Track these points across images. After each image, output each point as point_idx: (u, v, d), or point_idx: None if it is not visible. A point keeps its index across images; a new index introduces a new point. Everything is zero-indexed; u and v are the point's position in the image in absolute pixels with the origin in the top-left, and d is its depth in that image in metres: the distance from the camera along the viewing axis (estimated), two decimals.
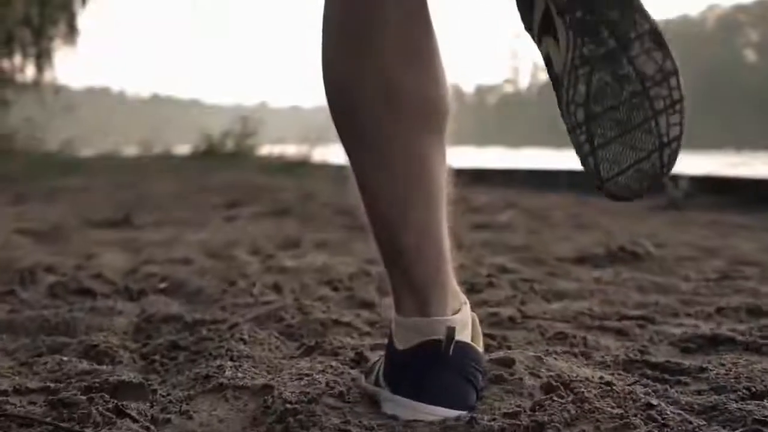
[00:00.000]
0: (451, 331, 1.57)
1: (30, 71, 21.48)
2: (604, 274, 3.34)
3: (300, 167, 13.72)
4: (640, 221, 6.18)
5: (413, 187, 1.59)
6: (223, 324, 2.36)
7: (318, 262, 3.62)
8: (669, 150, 1.46)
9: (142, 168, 14.39)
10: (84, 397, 1.63)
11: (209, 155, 17.19)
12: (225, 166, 14.18)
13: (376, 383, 1.69)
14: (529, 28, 1.56)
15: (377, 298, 2.78)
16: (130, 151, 20.28)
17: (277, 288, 2.97)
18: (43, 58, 21.49)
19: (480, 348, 1.67)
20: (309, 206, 7.05)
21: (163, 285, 3.06)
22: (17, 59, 21.50)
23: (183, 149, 19.30)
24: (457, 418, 1.55)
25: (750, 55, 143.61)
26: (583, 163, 1.49)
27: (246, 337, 2.13)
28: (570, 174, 10.32)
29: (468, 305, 1.68)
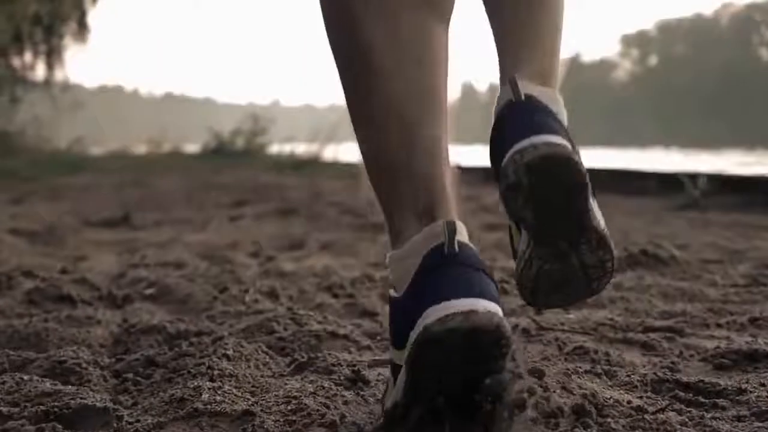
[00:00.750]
0: (450, 225, 1.43)
1: (41, 69, 21.38)
2: (624, 279, 3.09)
3: (310, 165, 13.52)
4: (659, 221, 5.95)
5: (431, 89, 1.54)
6: (208, 336, 2.13)
7: (319, 265, 3.40)
8: (595, 293, 1.73)
9: (150, 166, 14.22)
10: (33, 428, 1.42)
11: (218, 153, 17.02)
12: (234, 165, 13.99)
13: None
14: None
15: (380, 306, 2.56)
16: (141, 149, 20.16)
17: (272, 294, 2.73)
18: (53, 55, 21.36)
19: None
20: (316, 205, 6.83)
21: (150, 291, 2.82)
22: (28, 57, 21.40)
23: (193, 147, 19.17)
24: None
25: (765, 53, 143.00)
26: (522, 297, 1.72)
27: (230, 352, 1.90)
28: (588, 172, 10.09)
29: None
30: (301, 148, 16.03)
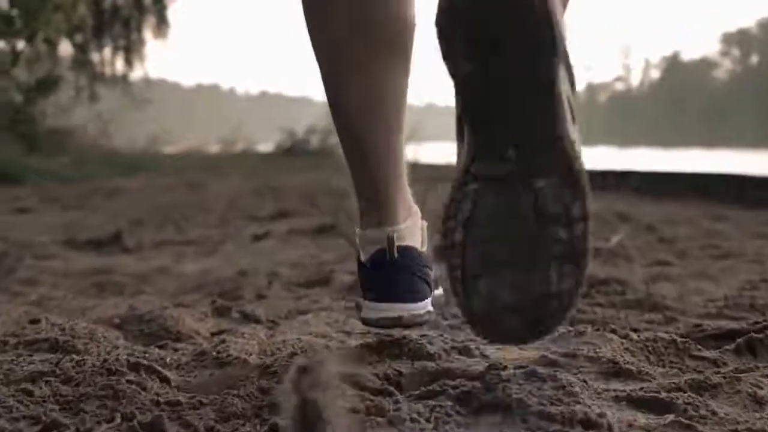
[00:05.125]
0: (390, 239, 1.81)
1: (120, 65, 20.90)
2: None
3: None
4: None
5: (383, 112, 1.79)
6: None
7: (293, 339, 2.10)
8: (556, 302, 1.30)
9: (215, 167, 13.23)
10: None
11: (292, 153, 16.01)
12: (305, 165, 12.93)
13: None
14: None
15: None
16: (214, 148, 19.34)
17: None
18: (132, 51, 20.85)
19: (424, 248, 1.88)
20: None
21: None
22: (107, 52, 20.87)
23: (269, 147, 18.31)
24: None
25: None
26: (451, 288, 1.40)
27: None
28: (694, 177, 8.72)
29: (418, 214, 1.91)
30: None
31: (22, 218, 6.01)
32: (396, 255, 1.80)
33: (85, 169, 11.69)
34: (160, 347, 2.05)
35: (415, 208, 1.91)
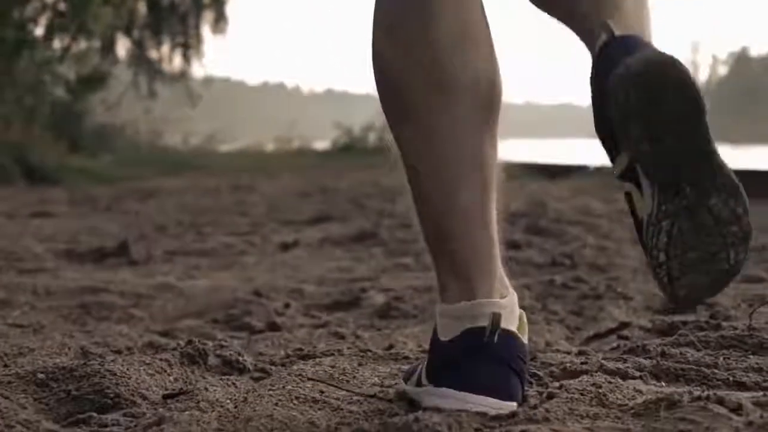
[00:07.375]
0: (496, 317, 1.57)
1: (178, 61, 20.53)
2: None
3: None
4: None
5: (462, 171, 1.62)
6: None
7: (269, 408, 1.50)
8: (734, 270, 1.57)
9: (267, 166, 12.73)
10: None
11: (348, 151, 15.49)
12: (360, 164, 12.41)
13: (419, 383, 1.66)
14: (611, 162, 1.59)
15: None
16: (270, 146, 18.93)
17: None
18: (190, 48, 20.47)
19: (525, 339, 1.63)
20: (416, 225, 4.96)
21: None
22: (165, 49, 20.50)
23: (325, 144, 17.87)
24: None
25: None
26: (660, 288, 1.60)
27: None
28: None
29: (515, 295, 1.65)
30: None
31: (34, 223, 5.51)
32: (495, 338, 1.57)
33: (130, 168, 11.23)
34: (79, 423, 1.45)
35: (511, 288, 1.66)
